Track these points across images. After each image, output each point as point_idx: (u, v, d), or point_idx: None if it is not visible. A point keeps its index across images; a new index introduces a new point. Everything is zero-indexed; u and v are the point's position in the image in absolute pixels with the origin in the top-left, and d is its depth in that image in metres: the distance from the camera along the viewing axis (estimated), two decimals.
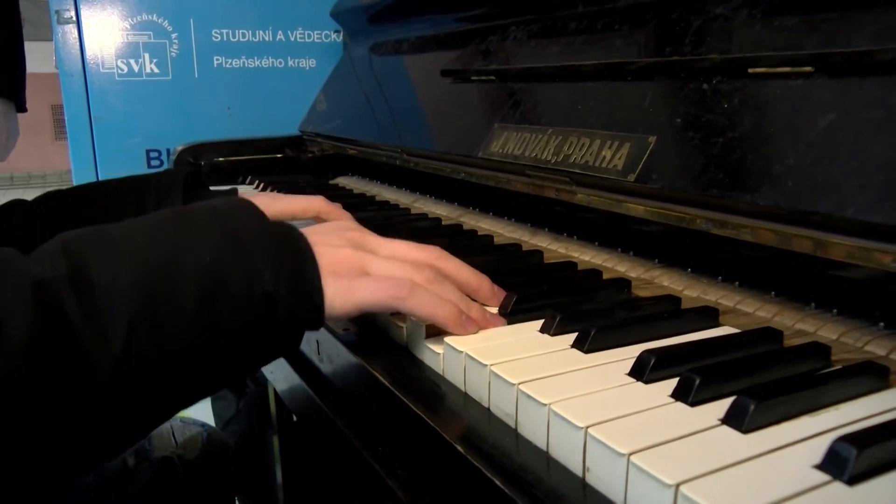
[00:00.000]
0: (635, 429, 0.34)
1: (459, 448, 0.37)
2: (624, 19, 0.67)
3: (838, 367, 0.41)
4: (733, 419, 0.34)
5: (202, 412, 1.55)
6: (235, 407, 1.61)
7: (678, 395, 0.37)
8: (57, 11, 1.44)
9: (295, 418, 1.14)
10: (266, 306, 0.41)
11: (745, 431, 0.33)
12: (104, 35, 1.47)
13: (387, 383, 0.45)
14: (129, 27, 1.50)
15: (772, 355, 0.42)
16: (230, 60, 1.60)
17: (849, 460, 0.29)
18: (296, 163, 1.24)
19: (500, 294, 0.52)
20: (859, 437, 0.30)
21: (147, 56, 1.52)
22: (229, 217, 0.44)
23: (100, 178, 1.54)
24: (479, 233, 0.79)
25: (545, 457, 0.36)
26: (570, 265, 0.63)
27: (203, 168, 1.16)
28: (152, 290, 0.38)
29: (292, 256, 0.43)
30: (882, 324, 0.47)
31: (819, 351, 0.42)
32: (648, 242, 0.64)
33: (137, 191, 0.75)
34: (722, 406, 0.35)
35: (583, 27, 0.72)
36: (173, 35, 1.54)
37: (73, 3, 1.44)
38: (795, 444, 0.32)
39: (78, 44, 1.45)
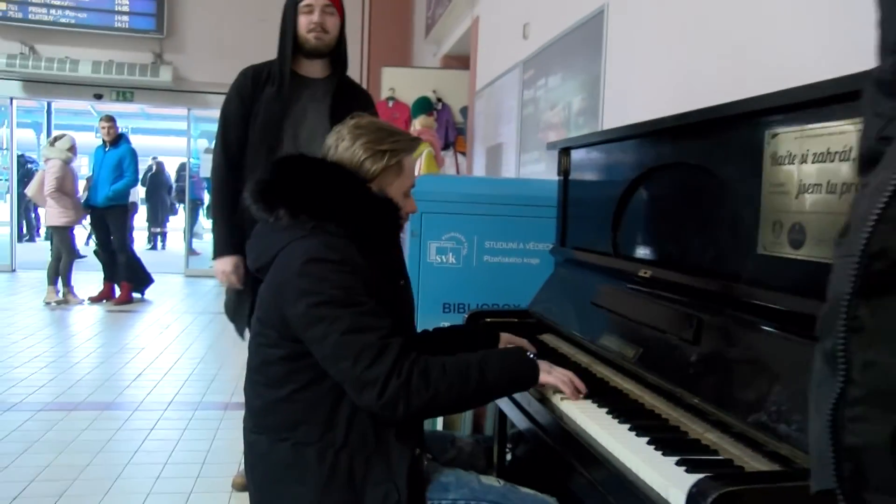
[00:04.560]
0: None
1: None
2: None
3: None
4: None
5: None
6: None
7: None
8: (412, 231, 2.82)
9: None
10: (524, 378, 1.65)
11: None
12: (432, 244, 2.84)
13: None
14: (443, 239, 2.85)
15: None
16: (493, 258, 2.89)
17: None
18: (522, 325, 2.46)
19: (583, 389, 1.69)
20: None
21: (451, 254, 2.86)
22: (520, 360, 1.68)
23: (418, 321, 2.87)
24: (596, 375, 1.93)
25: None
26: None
27: (481, 326, 2.42)
28: (497, 374, 1.61)
29: (532, 368, 1.67)
30: None
31: None
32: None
33: (478, 338, 2.05)
34: None
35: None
36: (464, 243, 2.87)
37: (419, 227, 2.82)
38: None
39: (419, 250, 2.82)
